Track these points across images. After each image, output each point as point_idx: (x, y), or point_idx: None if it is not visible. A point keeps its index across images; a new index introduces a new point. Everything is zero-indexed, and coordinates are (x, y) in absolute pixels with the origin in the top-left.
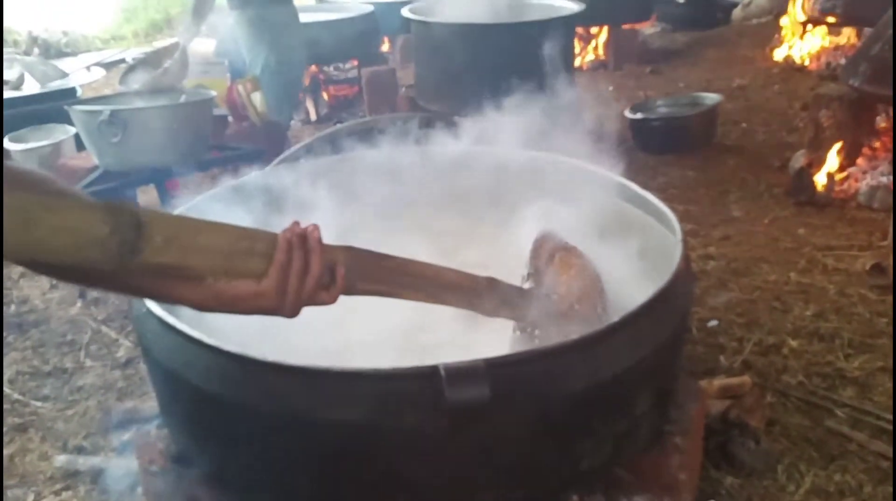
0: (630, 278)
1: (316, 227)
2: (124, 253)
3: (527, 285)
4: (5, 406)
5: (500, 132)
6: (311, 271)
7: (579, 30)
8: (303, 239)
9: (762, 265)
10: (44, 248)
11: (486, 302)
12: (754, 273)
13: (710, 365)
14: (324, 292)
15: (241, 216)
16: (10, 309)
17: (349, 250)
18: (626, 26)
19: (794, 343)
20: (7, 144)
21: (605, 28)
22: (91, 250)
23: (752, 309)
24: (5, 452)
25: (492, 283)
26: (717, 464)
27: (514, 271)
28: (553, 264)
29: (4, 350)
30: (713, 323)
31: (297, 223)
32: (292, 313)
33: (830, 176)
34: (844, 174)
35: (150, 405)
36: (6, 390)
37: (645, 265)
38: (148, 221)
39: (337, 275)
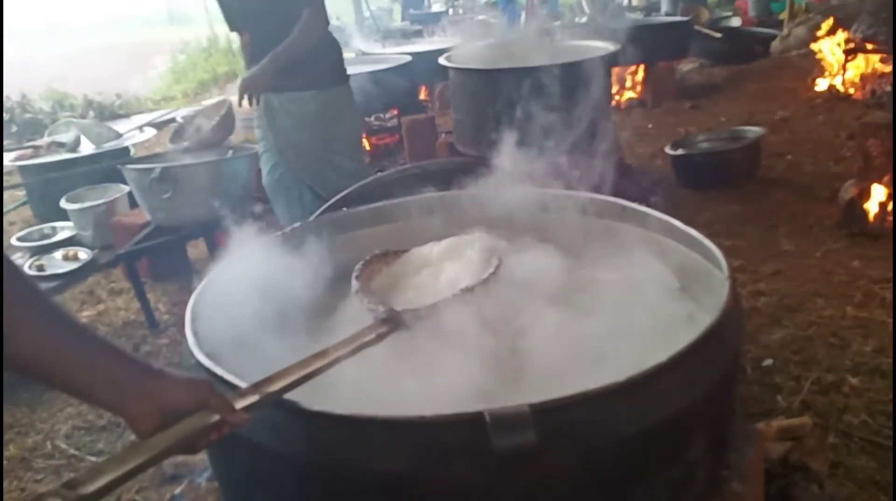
0: (677, 318)
1: (234, 423)
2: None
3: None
4: (62, 462)
5: (540, 174)
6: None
7: (616, 69)
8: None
9: (816, 300)
10: None
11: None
12: (808, 309)
13: (768, 406)
14: None
15: (286, 263)
16: None
17: (267, 400)
18: (662, 64)
19: (854, 381)
20: (64, 204)
21: (642, 66)
22: None
23: (808, 346)
24: None
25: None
26: None
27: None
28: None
29: (61, 406)
30: (768, 362)
31: (224, 424)
32: None
33: (882, 206)
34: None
35: (201, 458)
36: (62, 445)
37: (692, 305)
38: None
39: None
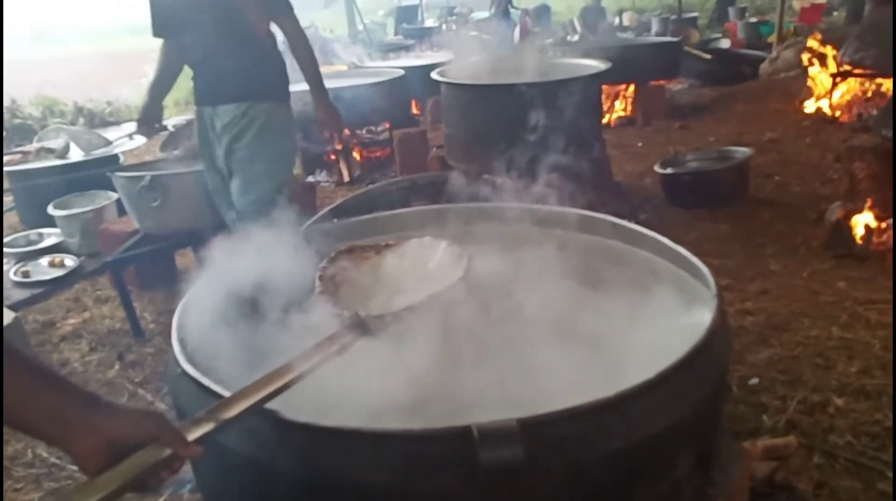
0: (665, 334)
1: (187, 456)
2: None
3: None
4: (42, 471)
5: (530, 189)
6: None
7: (607, 87)
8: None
9: (803, 320)
10: None
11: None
12: (795, 328)
13: (753, 425)
14: None
15: (274, 273)
16: None
17: (224, 427)
18: (653, 83)
19: (839, 401)
20: (51, 210)
21: (633, 85)
22: None
23: (794, 366)
24: None
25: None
26: None
27: None
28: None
29: None
30: (754, 381)
31: (176, 459)
32: None
33: (868, 228)
34: (883, 226)
35: (184, 469)
36: (43, 454)
37: (680, 322)
38: None
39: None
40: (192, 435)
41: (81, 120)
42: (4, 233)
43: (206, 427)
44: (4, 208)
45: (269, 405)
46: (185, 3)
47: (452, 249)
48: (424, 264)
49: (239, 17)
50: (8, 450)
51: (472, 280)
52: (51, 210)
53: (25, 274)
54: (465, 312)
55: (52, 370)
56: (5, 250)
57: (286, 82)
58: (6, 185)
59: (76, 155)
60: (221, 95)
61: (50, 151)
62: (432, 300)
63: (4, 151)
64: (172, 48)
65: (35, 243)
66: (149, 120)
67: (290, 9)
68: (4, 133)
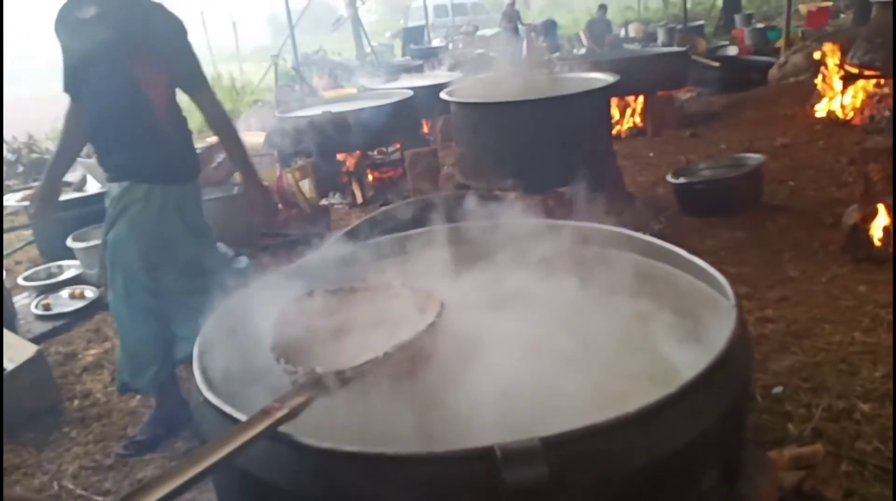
0: (685, 347)
1: None
2: None
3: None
4: None
5: (543, 205)
6: None
7: (616, 99)
8: None
9: (824, 326)
10: None
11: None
12: (816, 335)
13: (779, 434)
14: None
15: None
16: (73, 404)
17: None
18: (661, 93)
19: (865, 407)
20: (70, 242)
21: (642, 96)
22: None
23: (817, 373)
24: None
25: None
26: None
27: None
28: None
29: (68, 445)
30: (778, 390)
31: None
32: None
33: (887, 230)
34: None
35: (209, 497)
36: (69, 485)
37: (700, 333)
38: None
39: None
40: None
41: None
42: (26, 267)
43: None
44: (24, 242)
45: (286, 428)
46: (89, 61)
47: (423, 292)
48: (392, 310)
49: (136, 87)
50: (34, 483)
51: (444, 325)
52: (70, 242)
53: (47, 307)
54: (443, 352)
55: None
56: (26, 283)
57: (181, 164)
58: (25, 220)
59: (93, 187)
60: (113, 172)
61: (67, 184)
62: (398, 351)
63: (23, 186)
64: (78, 112)
65: (55, 275)
66: (47, 204)
67: (206, 85)
68: (21, 168)
